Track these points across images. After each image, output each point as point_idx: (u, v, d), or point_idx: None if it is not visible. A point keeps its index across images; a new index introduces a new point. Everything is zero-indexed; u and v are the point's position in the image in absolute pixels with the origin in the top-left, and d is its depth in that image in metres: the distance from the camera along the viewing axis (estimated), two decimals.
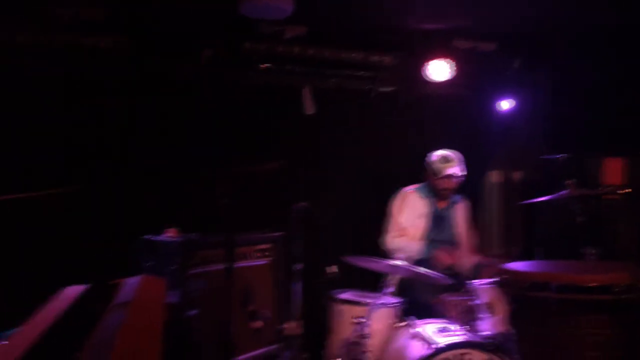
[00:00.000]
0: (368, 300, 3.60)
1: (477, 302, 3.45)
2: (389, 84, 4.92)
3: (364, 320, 3.38)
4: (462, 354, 3.19)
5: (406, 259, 3.56)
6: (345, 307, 3.67)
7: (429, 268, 3.60)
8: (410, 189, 4.33)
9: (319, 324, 3.94)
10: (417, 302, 3.88)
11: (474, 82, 4.99)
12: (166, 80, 4.16)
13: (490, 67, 4.90)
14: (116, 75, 4.05)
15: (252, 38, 4.21)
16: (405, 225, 4.23)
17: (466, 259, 4.18)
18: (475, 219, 4.65)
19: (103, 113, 4.03)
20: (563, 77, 4.81)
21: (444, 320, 3.55)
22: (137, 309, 1.60)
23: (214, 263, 3.19)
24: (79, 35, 3.81)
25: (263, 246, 3.50)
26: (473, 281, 3.55)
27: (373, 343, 3.49)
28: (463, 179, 4.20)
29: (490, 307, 3.45)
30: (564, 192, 3.82)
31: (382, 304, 3.58)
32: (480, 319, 3.42)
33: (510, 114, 5.26)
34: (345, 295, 3.79)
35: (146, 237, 3.21)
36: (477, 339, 3.28)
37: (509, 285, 3.20)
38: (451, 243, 4.25)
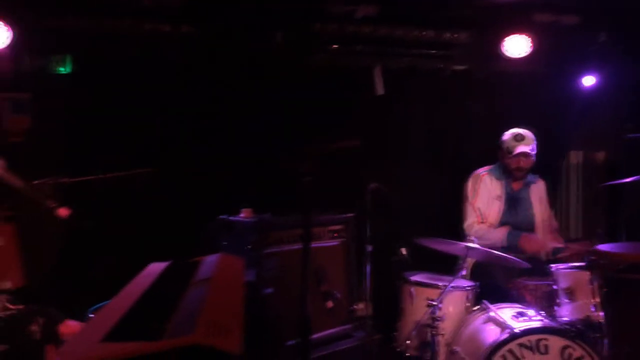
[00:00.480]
0: (441, 283, 3.55)
1: (557, 287, 3.32)
2: (462, 62, 4.79)
3: (436, 303, 3.34)
4: (538, 340, 3.11)
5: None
6: (418, 290, 3.64)
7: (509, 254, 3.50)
8: (483, 170, 4.20)
9: (389, 306, 3.93)
10: (492, 285, 3.78)
11: (554, 58, 4.76)
12: (240, 63, 4.23)
13: (572, 42, 4.66)
14: (192, 60, 4.16)
15: (323, 19, 4.20)
16: (484, 208, 4.10)
17: (548, 243, 4.03)
18: (553, 201, 4.47)
19: (182, 97, 4.17)
20: None
21: (521, 305, 3.46)
22: (218, 284, 1.65)
23: (288, 243, 3.23)
24: (158, 22, 3.93)
25: (335, 227, 3.52)
26: (553, 265, 3.42)
27: (446, 326, 3.45)
28: (534, 158, 4.03)
29: (570, 293, 3.32)
30: None
31: (456, 286, 3.52)
32: (560, 304, 3.30)
33: (593, 91, 4.99)
34: (418, 277, 3.76)
35: (222, 217, 3.30)
36: (556, 325, 3.17)
37: (601, 267, 3.05)
38: (528, 226, 4.10)
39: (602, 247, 3.15)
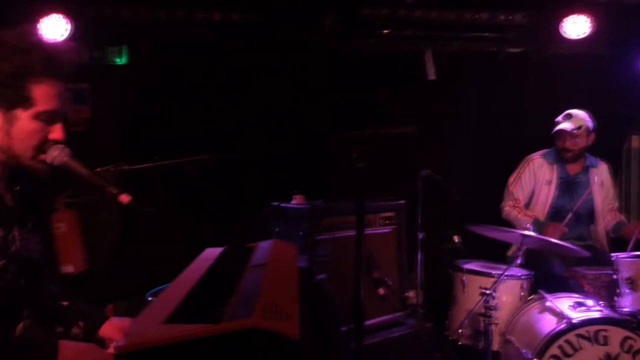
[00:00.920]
0: (495, 272, 3.50)
1: (618, 276, 3.21)
2: (518, 44, 4.64)
3: (490, 291, 3.29)
4: (598, 331, 3.03)
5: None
6: (471, 278, 3.59)
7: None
8: (536, 155, 4.09)
9: (441, 294, 3.90)
10: (549, 274, 3.70)
11: (615, 38, 4.55)
12: (290, 49, 4.25)
13: (634, 22, 4.44)
14: (243, 47, 4.21)
15: (373, 3, 4.16)
16: (524, 194, 4.00)
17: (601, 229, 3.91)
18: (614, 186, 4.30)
19: (235, 84, 4.23)
20: None
21: (579, 295, 3.37)
22: (273, 269, 1.67)
23: (339, 230, 3.24)
24: (209, 11, 3.99)
25: (387, 214, 3.50)
26: (614, 254, 3.30)
27: (500, 315, 3.40)
28: (585, 140, 3.88)
29: (632, 282, 3.20)
30: None
31: (511, 275, 3.46)
32: (621, 294, 3.19)
33: None
34: (471, 265, 3.71)
35: (275, 203, 3.34)
36: (616, 316, 3.08)
37: None
38: (586, 211, 3.96)
39: None
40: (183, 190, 3.80)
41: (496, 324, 3.35)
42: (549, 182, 3.98)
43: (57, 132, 1.70)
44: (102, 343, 1.85)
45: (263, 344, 1.15)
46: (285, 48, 4.25)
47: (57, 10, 3.74)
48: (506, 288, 3.48)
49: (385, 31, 4.34)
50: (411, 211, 3.68)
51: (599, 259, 3.57)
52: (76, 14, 3.79)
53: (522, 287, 3.54)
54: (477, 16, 4.35)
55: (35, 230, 1.82)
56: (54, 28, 3.78)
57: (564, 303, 3.27)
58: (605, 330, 3.03)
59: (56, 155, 1.70)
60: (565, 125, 3.87)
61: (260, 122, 4.26)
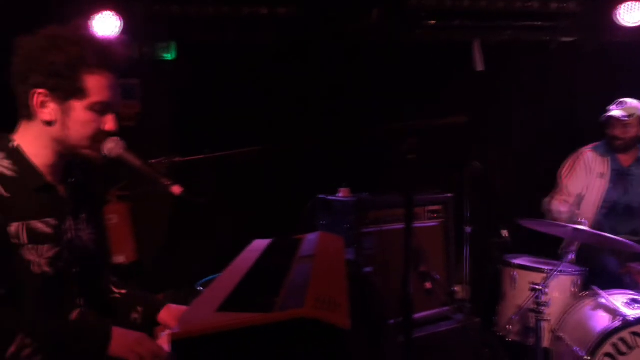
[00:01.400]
0: (546, 267, 3.42)
1: None
2: (570, 33, 4.49)
3: (541, 287, 3.21)
4: None
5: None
6: (521, 273, 3.53)
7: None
8: (587, 148, 3.96)
9: (489, 289, 3.84)
10: (602, 270, 3.59)
11: None
12: (337, 41, 4.25)
13: None
14: (292, 41, 4.23)
15: None
16: (578, 188, 3.87)
17: None
18: None
19: (281, 78, 4.26)
20: None
21: (634, 292, 3.26)
22: (321, 261, 1.67)
23: (386, 223, 3.23)
24: (256, 5, 4.03)
25: (434, 207, 3.46)
26: None
27: (551, 311, 3.32)
28: (634, 129, 3.73)
29: None
30: None
31: (563, 271, 3.37)
32: None
33: None
34: (520, 260, 3.64)
35: (321, 196, 3.35)
36: None
37: None
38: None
39: None
40: (231, 182, 3.86)
41: (547, 320, 3.28)
42: (602, 175, 3.85)
43: (109, 123, 1.74)
44: (157, 325, 1.89)
45: (314, 334, 1.15)
46: (332, 41, 4.24)
47: (108, 8, 3.84)
48: (558, 284, 3.40)
49: (432, 22, 4.27)
50: (459, 204, 3.62)
51: None
52: (126, 10, 3.89)
53: (574, 283, 3.45)
54: (527, 4, 4.24)
55: (88, 221, 1.87)
56: (105, 25, 3.88)
57: (619, 300, 3.18)
58: None
59: (112, 147, 1.75)
60: (617, 113, 3.75)
61: (307, 114, 4.28)
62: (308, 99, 4.30)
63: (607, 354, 2.96)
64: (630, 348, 2.96)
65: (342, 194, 3.32)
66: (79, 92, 1.67)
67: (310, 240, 2.02)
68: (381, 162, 3.76)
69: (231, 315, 1.20)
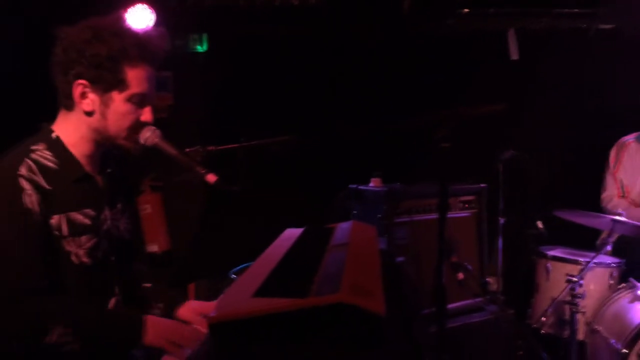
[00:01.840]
0: (582, 259, 3.36)
1: None
2: (610, 20, 4.37)
3: (577, 279, 3.16)
4: None
5: None
6: (556, 265, 3.48)
7: None
8: (630, 137, 3.84)
9: (522, 281, 3.79)
10: None
11: None
12: (370, 30, 4.23)
13: None
14: (324, 30, 4.22)
15: None
16: (631, 179, 3.75)
17: None
18: None
19: (314, 67, 4.25)
20: None
21: None
22: (355, 249, 1.67)
23: (418, 213, 3.21)
24: None
25: (467, 197, 3.42)
26: None
27: (587, 304, 3.27)
28: None
29: None
30: None
31: (600, 262, 3.31)
32: None
33: None
34: (555, 252, 3.59)
35: (352, 186, 3.34)
36: None
37: None
38: None
39: None
40: (264, 171, 3.88)
41: (583, 312, 3.23)
42: None
43: (147, 114, 1.77)
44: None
45: (349, 320, 1.15)
46: (364, 30, 4.22)
47: (141, 0, 3.88)
48: (594, 276, 3.35)
49: (466, 10, 4.20)
50: (492, 195, 3.57)
51: None
52: (159, 3, 3.93)
53: (611, 275, 3.39)
54: None
55: (124, 210, 1.91)
56: (139, 17, 3.93)
57: None
58: None
59: (148, 136, 1.78)
60: None
61: (340, 104, 4.27)
62: (341, 88, 4.29)
63: None
64: None
65: (374, 183, 3.31)
66: (120, 84, 1.70)
67: (343, 229, 2.02)
68: (414, 152, 3.73)
69: (267, 301, 1.21)
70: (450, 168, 1.97)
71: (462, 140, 2.02)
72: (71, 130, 1.76)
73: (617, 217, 3.16)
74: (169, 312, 1.93)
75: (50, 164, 1.70)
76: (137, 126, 1.77)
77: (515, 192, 3.66)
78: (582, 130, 4.51)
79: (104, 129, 1.74)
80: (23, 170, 1.64)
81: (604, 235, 3.70)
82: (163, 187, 4.47)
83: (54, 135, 1.75)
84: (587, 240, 3.82)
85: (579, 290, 3.15)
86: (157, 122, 1.83)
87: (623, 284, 3.34)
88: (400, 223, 3.13)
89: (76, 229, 1.70)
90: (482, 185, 3.50)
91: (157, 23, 3.93)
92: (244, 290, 1.30)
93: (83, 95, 1.70)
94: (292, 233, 2.09)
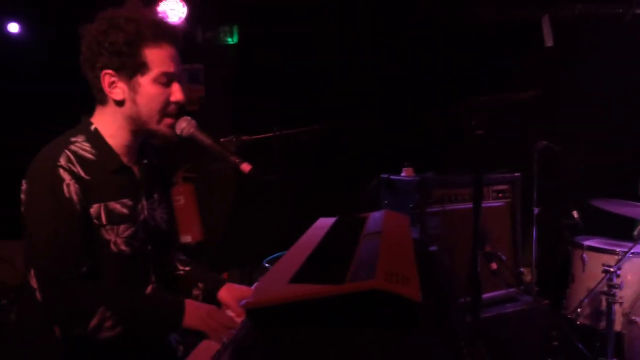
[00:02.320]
0: (619, 249, 3.29)
1: None
2: None
3: (614, 269, 3.10)
4: None
5: None
6: (592, 255, 3.42)
7: None
8: None
9: (557, 271, 3.73)
10: None
11: None
12: (403, 20, 4.19)
13: None
14: (354, 19, 4.21)
15: None
16: None
17: None
18: None
19: (346, 56, 4.24)
20: None
21: None
22: (388, 237, 1.67)
23: (450, 202, 3.19)
24: None
25: (500, 187, 3.38)
26: None
27: (625, 294, 3.21)
28: None
29: None
30: None
31: (637, 253, 3.24)
32: None
33: None
34: (592, 242, 3.52)
35: (384, 175, 3.33)
36: None
37: None
38: None
39: None
40: (296, 161, 3.90)
41: (620, 303, 3.17)
42: None
43: (176, 93, 1.77)
44: (217, 302, 1.95)
45: (385, 306, 1.16)
46: (396, 19, 4.18)
47: None
48: (632, 266, 3.28)
49: None
50: (527, 184, 3.52)
51: None
52: None
53: None
54: None
55: (161, 201, 1.94)
56: (172, 11, 3.98)
57: None
58: None
59: (184, 127, 1.80)
60: None
61: (371, 93, 4.26)
62: (373, 77, 4.27)
63: None
64: None
65: (406, 173, 3.30)
66: (142, 67, 1.71)
67: (376, 218, 2.02)
68: (445, 140, 3.70)
69: (304, 287, 1.22)
70: (484, 156, 1.94)
71: (495, 128, 1.99)
72: (109, 122, 1.79)
73: None
74: (209, 292, 1.97)
75: (88, 155, 1.74)
76: (169, 107, 1.78)
77: (550, 181, 3.60)
78: (618, 118, 4.40)
79: (137, 115, 1.76)
80: (62, 161, 1.68)
81: None
82: (195, 178, 4.53)
83: (92, 127, 1.79)
84: (625, 230, 3.74)
85: (616, 280, 3.10)
86: (189, 114, 1.85)
87: None
88: (433, 213, 3.12)
89: (114, 218, 1.74)
90: (516, 174, 3.45)
91: (189, 16, 3.97)
92: (280, 277, 1.32)
93: (112, 85, 1.74)
94: (325, 222, 2.10)
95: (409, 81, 4.26)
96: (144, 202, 1.85)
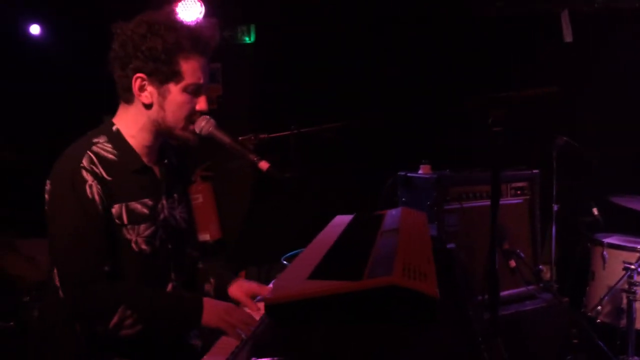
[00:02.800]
0: None
1: None
2: None
3: (635, 266, 3.07)
4: None
5: None
6: (613, 252, 3.38)
7: None
8: None
9: (577, 269, 3.69)
10: None
11: None
12: (419, 16, 4.18)
13: None
14: (372, 16, 4.20)
15: None
16: None
17: None
18: None
19: (363, 53, 4.24)
20: None
21: None
22: (406, 234, 1.68)
23: (468, 200, 3.18)
24: None
25: (519, 184, 3.36)
26: None
27: None
28: None
29: None
30: None
31: None
32: None
33: None
34: (612, 239, 3.48)
35: (401, 172, 3.33)
36: None
37: None
38: None
39: None
40: (313, 159, 3.92)
41: None
42: None
43: (202, 103, 1.82)
44: (228, 298, 1.98)
45: (403, 302, 1.17)
46: (413, 15, 4.17)
47: None
48: None
49: None
50: (546, 181, 3.49)
51: None
52: None
53: None
54: None
55: (181, 200, 1.97)
56: (189, 11, 4.02)
57: None
58: None
59: (203, 125, 1.83)
60: None
61: (389, 91, 4.25)
62: (389, 74, 4.26)
63: None
64: None
65: (423, 170, 3.29)
66: (176, 76, 1.75)
67: (393, 215, 2.03)
68: (463, 138, 3.68)
69: (322, 283, 1.24)
70: (502, 153, 1.93)
71: (514, 125, 1.98)
72: (131, 122, 1.82)
73: None
74: (220, 288, 2.00)
75: (110, 156, 1.77)
76: (194, 115, 1.82)
77: (569, 178, 3.56)
78: (639, 114, 4.34)
79: (163, 120, 1.80)
80: (85, 162, 1.71)
81: None
82: (213, 176, 4.57)
83: (114, 128, 1.82)
84: None
85: (637, 278, 3.07)
86: (208, 113, 1.88)
87: None
88: (450, 210, 3.11)
89: (135, 218, 1.77)
90: (535, 171, 3.43)
91: (206, 15, 4.00)
92: (298, 273, 1.33)
93: (142, 89, 1.77)
94: (342, 219, 2.11)
95: (426, 78, 4.25)
96: (164, 202, 1.88)
